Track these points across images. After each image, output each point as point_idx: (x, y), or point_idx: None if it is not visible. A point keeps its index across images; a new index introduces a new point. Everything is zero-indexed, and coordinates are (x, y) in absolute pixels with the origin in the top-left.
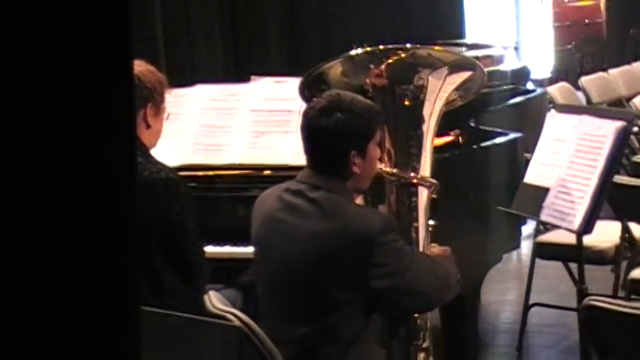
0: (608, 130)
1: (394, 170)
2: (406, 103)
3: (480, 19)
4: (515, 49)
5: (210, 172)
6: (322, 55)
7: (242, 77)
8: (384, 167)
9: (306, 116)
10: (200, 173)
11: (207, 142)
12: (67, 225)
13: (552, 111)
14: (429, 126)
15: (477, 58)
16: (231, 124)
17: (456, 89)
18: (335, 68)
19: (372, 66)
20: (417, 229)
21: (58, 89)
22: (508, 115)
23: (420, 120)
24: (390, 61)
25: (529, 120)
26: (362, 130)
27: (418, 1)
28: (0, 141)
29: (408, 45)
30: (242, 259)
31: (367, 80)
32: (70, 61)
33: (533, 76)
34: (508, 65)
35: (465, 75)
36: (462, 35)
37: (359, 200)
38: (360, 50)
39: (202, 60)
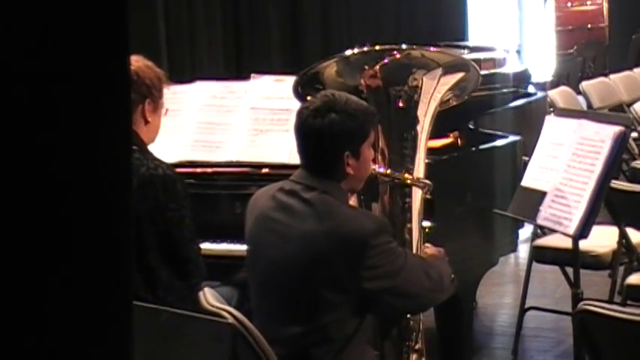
0: (606, 134)
1: (388, 171)
2: (400, 104)
3: (483, 22)
4: (518, 52)
5: (209, 169)
6: (323, 55)
7: (243, 75)
8: (377, 168)
9: (300, 116)
10: (198, 170)
11: (205, 139)
12: (62, 221)
13: (551, 115)
14: (423, 127)
15: (479, 60)
16: (230, 121)
17: (451, 89)
18: (330, 68)
19: (366, 67)
20: (410, 229)
21: (52, 83)
22: (508, 118)
23: (414, 121)
24: (385, 61)
25: (529, 123)
26: (356, 131)
27: (421, 3)
28: None
29: (403, 46)
30: (239, 257)
31: (362, 81)
32: (65, 55)
33: (534, 79)
34: (510, 68)
35: (458, 75)
36: (464, 38)
37: (353, 200)
38: (355, 50)
39: (204, 57)
